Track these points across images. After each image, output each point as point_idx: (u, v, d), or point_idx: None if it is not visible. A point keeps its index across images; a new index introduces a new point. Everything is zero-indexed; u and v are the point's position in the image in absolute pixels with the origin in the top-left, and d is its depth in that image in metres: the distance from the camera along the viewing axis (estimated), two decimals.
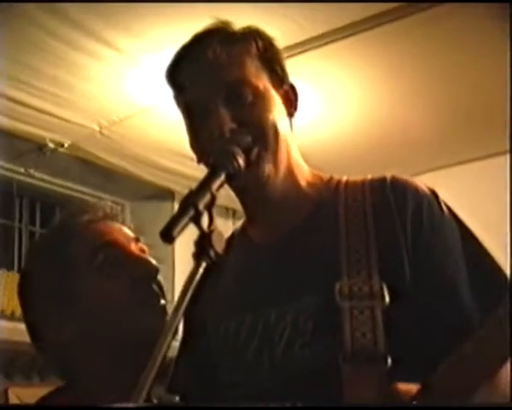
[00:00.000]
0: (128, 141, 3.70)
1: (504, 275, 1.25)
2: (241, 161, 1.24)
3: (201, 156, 1.34)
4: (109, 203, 1.59)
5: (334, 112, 3.50)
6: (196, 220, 1.10)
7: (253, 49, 1.35)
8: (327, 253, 1.28)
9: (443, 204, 1.32)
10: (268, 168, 1.31)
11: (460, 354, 0.93)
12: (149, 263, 1.47)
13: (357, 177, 1.39)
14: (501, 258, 1.32)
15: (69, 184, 4.30)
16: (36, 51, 2.92)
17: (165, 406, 1.43)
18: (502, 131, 3.38)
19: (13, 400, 3.16)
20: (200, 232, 1.12)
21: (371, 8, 2.75)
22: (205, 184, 1.16)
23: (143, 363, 0.98)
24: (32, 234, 4.32)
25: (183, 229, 1.08)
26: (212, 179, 1.17)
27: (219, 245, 1.13)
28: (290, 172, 1.37)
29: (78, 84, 3.17)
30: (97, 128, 3.55)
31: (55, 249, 1.48)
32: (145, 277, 1.45)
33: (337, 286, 1.22)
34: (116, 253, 1.46)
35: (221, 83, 1.31)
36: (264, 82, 1.34)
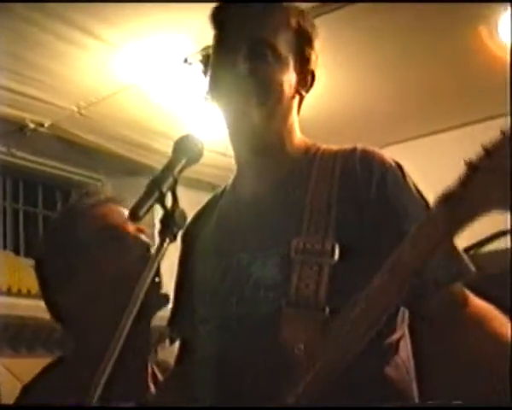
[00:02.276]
0: (106, 120, 3.78)
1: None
2: (201, 147, 1.36)
3: (211, 91, 1.47)
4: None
5: None
6: (161, 201, 1.25)
7: (293, 23, 1.46)
8: (295, 210, 1.39)
9: (407, 177, 1.41)
10: (260, 119, 1.42)
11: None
12: (145, 242, 1.65)
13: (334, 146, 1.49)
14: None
15: (50, 163, 4.38)
16: (19, 41, 3.01)
17: (165, 406, 1.57)
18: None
19: (1, 370, 3.27)
20: (164, 211, 1.27)
21: None
22: (168, 168, 1.29)
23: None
24: (15, 211, 4.40)
25: (148, 209, 1.22)
26: (174, 164, 1.30)
27: (182, 222, 1.29)
28: (281, 133, 1.48)
29: (58, 69, 3.27)
30: (76, 109, 3.64)
31: (64, 231, 1.67)
32: (142, 253, 1.62)
33: (293, 242, 1.34)
34: (117, 232, 1.64)
35: (252, 36, 1.43)
36: (289, 53, 1.45)
